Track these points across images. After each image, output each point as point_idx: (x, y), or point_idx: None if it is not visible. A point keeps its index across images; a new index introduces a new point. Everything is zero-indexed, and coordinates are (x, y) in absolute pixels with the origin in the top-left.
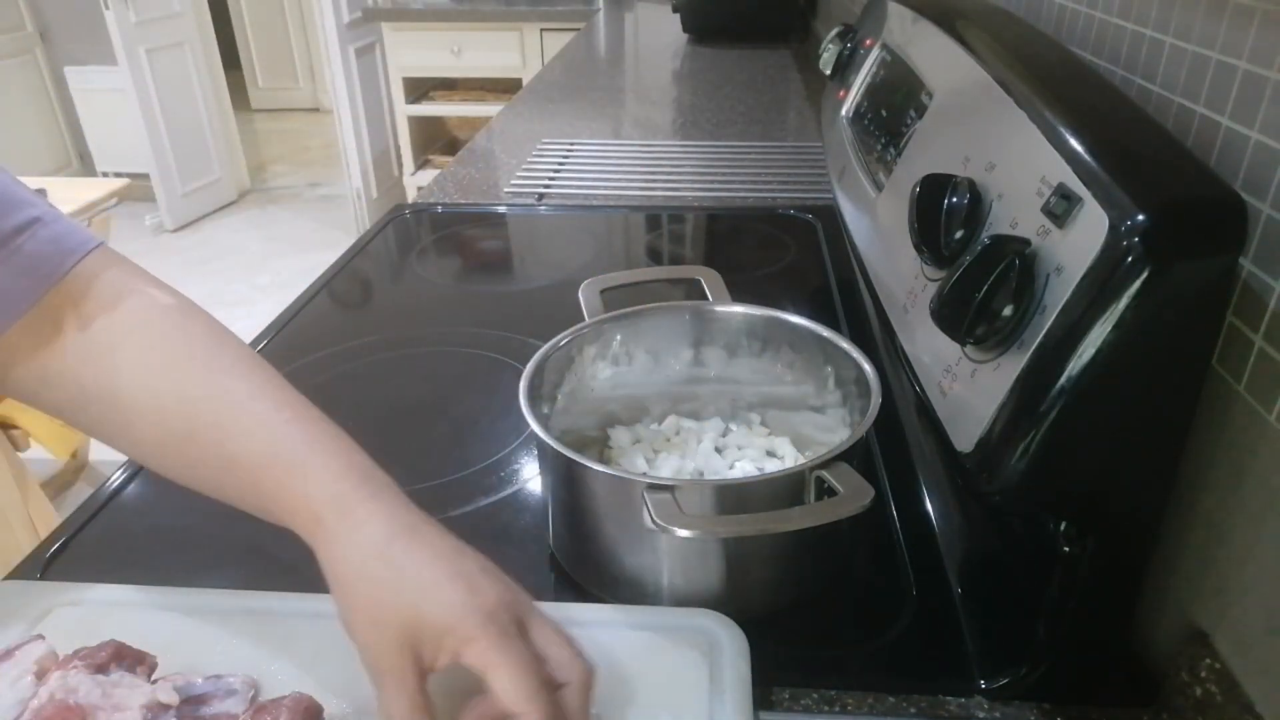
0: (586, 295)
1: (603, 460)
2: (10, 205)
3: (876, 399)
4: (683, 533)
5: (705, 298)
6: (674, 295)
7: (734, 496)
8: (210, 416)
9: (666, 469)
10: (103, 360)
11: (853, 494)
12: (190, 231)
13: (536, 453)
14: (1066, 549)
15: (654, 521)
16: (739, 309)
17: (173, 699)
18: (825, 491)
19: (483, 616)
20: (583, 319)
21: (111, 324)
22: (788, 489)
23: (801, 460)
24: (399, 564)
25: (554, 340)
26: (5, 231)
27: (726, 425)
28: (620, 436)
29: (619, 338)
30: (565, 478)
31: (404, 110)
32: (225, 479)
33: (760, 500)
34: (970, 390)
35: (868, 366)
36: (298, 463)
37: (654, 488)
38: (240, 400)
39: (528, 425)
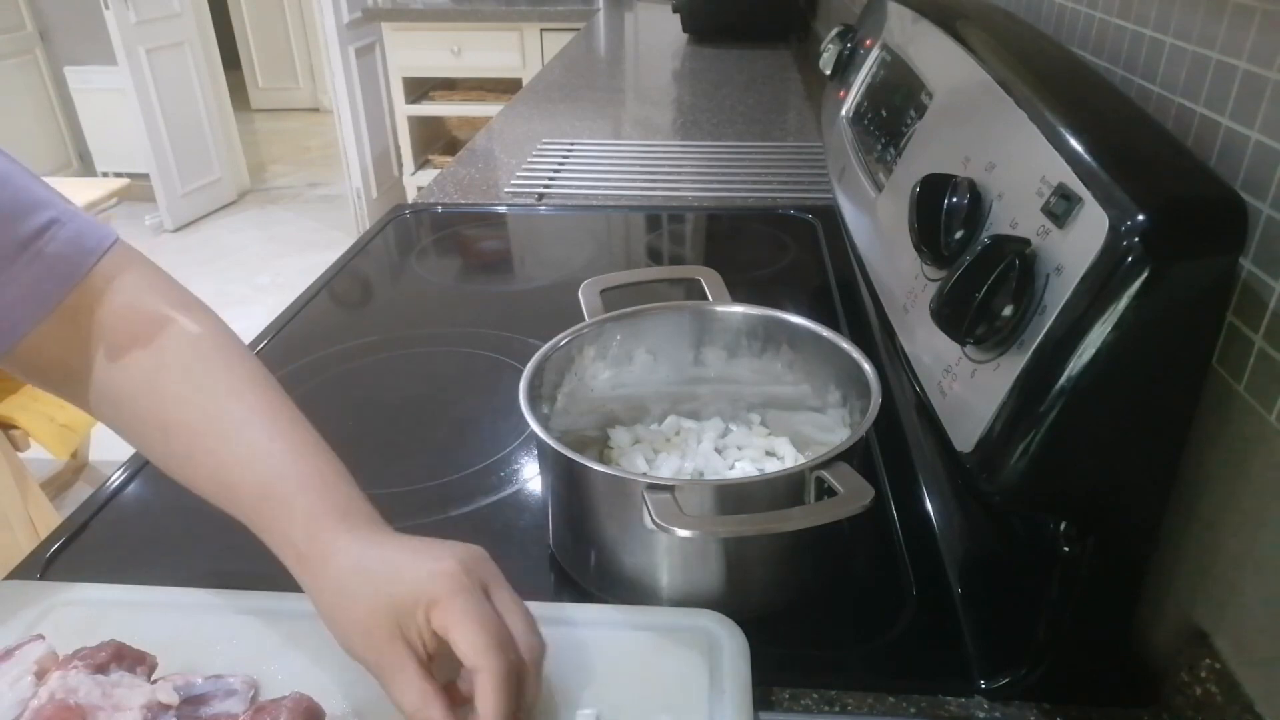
0: (586, 295)
1: (603, 460)
2: (31, 206)
3: (876, 399)
4: (683, 533)
5: (705, 298)
6: (674, 295)
7: (734, 496)
8: (208, 443)
9: (666, 469)
10: (114, 371)
11: (853, 494)
12: (190, 231)
13: (536, 453)
14: (1066, 549)
15: (654, 521)
16: (739, 309)
17: (173, 699)
18: (825, 491)
19: (445, 579)
20: (583, 319)
21: (121, 337)
22: (788, 489)
23: (801, 460)
24: (369, 567)
25: (554, 340)
26: (28, 234)
27: (726, 425)
28: (620, 436)
29: (619, 338)
30: (565, 478)
31: (404, 110)
32: (227, 503)
33: (760, 500)
34: (970, 390)
35: (868, 366)
36: (283, 500)
37: (654, 488)
38: (235, 428)
39: (528, 425)
